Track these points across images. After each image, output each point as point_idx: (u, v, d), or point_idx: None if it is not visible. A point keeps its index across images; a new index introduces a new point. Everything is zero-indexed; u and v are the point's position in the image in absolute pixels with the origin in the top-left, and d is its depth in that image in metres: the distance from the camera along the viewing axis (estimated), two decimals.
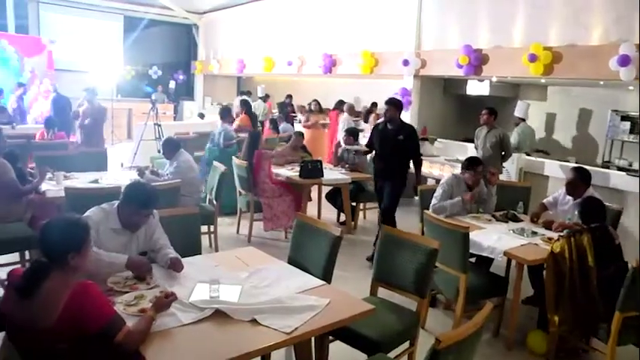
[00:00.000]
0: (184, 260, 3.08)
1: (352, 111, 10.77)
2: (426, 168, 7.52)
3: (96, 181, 5.39)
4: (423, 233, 4.47)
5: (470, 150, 7.58)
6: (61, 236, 2.22)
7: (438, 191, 4.81)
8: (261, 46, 13.67)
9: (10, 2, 14.44)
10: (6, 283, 2.26)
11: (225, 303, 2.56)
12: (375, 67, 10.00)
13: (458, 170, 5.30)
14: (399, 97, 6.76)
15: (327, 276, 3.25)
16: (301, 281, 2.97)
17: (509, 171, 7.19)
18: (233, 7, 15.11)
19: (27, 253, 4.73)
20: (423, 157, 5.97)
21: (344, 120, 10.16)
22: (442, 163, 8.29)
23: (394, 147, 5.64)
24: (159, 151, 9.05)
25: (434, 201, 4.74)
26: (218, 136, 7.78)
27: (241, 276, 2.98)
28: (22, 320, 2.10)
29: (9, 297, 2.18)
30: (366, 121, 10.96)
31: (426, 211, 4.45)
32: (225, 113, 8.23)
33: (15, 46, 13.10)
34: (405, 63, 9.03)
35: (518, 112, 8.15)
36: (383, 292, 3.58)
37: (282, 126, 10.16)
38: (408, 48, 9.19)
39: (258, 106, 13.14)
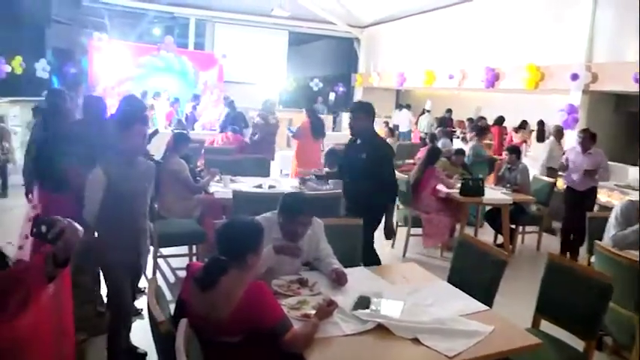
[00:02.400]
0: (346, 270, 3.11)
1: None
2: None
3: (260, 186, 5.68)
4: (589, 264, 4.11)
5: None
6: (241, 237, 2.40)
7: (613, 221, 4.35)
8: (422, 59, 13.61)
9: (192, 24, 16.03)
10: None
11: (387, 318, 2.54)
12: (540, 81, 9.49)
13: (631, 197, 4.78)
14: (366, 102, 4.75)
15: (488, 301, 3.09)
16: (463, 304, 2.86)
17: None
18: (395, 21, 15.25)
19: (194, 247, 5.14)
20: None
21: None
22: (611, 189, 7.57)
23: (360, 170, 4.33)
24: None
25: (612, 231, 4.29)
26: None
27: (403, 292, 2.93)
28: (201, 310, 2.28)
29: (189, 287, 2.37)
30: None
31: (597, 242, 4.08)
32: (480, 129, 8.38)
33: (193, 61, 14.45)
34: (574, 77, 8.45)
35: None
36: (545, 326, 3.32)
37: (442, 141, 9.96)
38: (577, 60, 8.58)
39: (423, 120, 13.05)
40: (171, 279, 5.19)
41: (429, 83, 13.26)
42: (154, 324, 2.23)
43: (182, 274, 5.18)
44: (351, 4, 15.34)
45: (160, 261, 5.14)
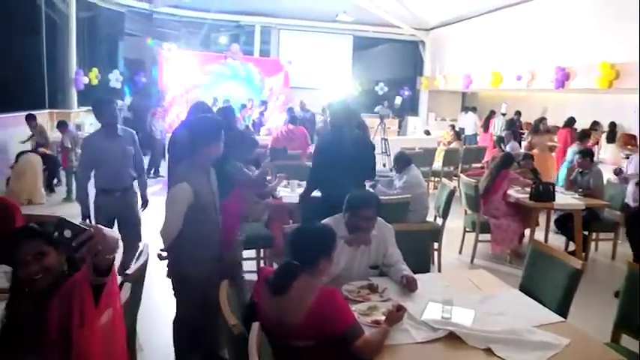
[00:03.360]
0: (415, 276, 3.08)
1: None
2: None
3: None
4: None
5: None
6: (314, 242, 2.45)
7: None
8: (489, 60, 13.34)
9: (257, 31, 16.40)
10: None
11: (458, 326, 2.51)
12: (614, 79, 9.08)
13: None
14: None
15: (563, 311, 2.98)
16: (537, 314, 2.78)
17: None
18: (461, 22, 15.02)
19: (262, 250, 5.24)
20: None
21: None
22: None
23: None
24: (384, 165, 9.35)
25: None
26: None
27: (474, 300, 2.89)
28: (272, 314, 2.34)
29: (261, 290, 2.43)
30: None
31: None
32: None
33: (258, 67, 14.73)
34: None
35: None
36: (625, 340, 3.16)
37: (510, 144, 9.72)
38: None
39: (497, 123, 12.77)
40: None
41: (495, 85, 12.97)
42: (227, 326, 2.30)
43: (249, 277, 5.29)
44: (416, 7, 15.23)
45: None
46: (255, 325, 2.13)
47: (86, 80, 13.02)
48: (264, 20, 16.67)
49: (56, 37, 12.65)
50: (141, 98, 14.36)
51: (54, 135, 9.68)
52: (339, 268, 3.01)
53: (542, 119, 10.06)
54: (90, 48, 13.99)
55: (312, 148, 9.24)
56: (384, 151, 9.99)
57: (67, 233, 1.68)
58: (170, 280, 3.33)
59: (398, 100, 16.91)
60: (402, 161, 5.92)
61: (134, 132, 4.75)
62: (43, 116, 10.27)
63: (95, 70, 13.49)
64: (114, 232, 1.78)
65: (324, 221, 3.17)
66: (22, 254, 2.11)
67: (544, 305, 2.95)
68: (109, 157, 4.46)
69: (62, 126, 8.83)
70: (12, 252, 2.16)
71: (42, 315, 1.97)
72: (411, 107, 17.98)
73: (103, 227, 1.75)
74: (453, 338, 2.45)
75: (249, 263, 5.37)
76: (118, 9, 14.60)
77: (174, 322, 3.40)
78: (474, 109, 14.77)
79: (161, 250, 3.25)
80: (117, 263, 1.96)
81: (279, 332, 2.32)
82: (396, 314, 2.52)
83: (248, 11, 16.02)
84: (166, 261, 3.29)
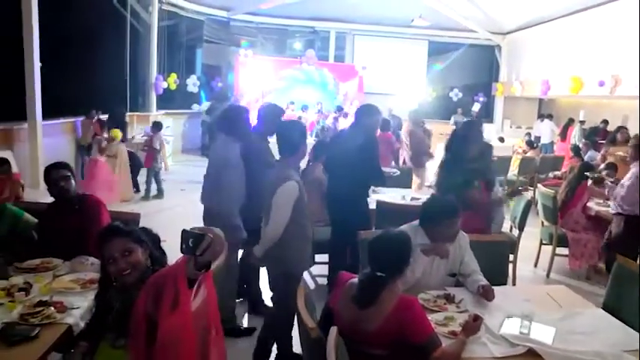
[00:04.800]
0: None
1: None
2: None
3: (403, 198, 5.70)
4: None
5: None
6: (396, 250, 2.45)
7: None
8: (568, 65, 12.82)
9: (332, 37, 16.54)
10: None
11: (539, 343, 2.44)
12: None
13: None
14: None
15: None
16: (624, 337, 2.63)
17: None
18: (539, 25, 14.54)
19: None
20: None
21: None
22: None
23: None
24: None
25: None
26: None
27: (554, 316, 2.79)
28: (350, 320, 2.36)
29: (339, 297, 2.46)
30: None
31: None
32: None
33: (333, 73, 14.84)
34: None
35: None
36: None
37: (589, 155, 9.30)
38: None
39: (576, 133, 12.30)
40: (311, 285, 5.39)
41: (575, 91, 12.46)
42: (305, 329, 2.34)
43: (321, 280, 5.36)
44: (493, 11, 14.90)
45: None
46: (333, 330, 2.15)
47: (165, 85, 13.58)
48: (340, 26, 16.81)
49: (139, 44, 13.36)
50: (218, 103, 14.81)
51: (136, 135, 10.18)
52: (416, 277, 3.00)
53: (621, 128, 9.57)
54: (169, 54, 14.63)
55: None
56: None
57: (190, 242, 1.78)
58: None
59: (475, 107, 16.58)
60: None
61: None
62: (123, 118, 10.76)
63: (174, 76, 14.04)
64: (220, 232, 1.88)
65: (401, 228, 3.17)
66: (110, 251, 2.28)
67: (630, 327, 2.79)
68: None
69: (155, 127, 9.19)
70: (101, 248, 2.32)
71: (129, 306, 2.09)
72: (485, 114, 17.57)
73: (213, 228, 1.86)
74: (532, 356, 2.39)
75: (320, 267, 5.46)
76: (197, 17, 15.18)
77: (269, 318, 3.69)
78: (550, 117, 14.26)
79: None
80: None
81: (355, 338, 2.34)
82: (473, 324, 2.48)
83: (323, 17, 16.21)
84: None
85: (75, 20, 10.74)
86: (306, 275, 5.58)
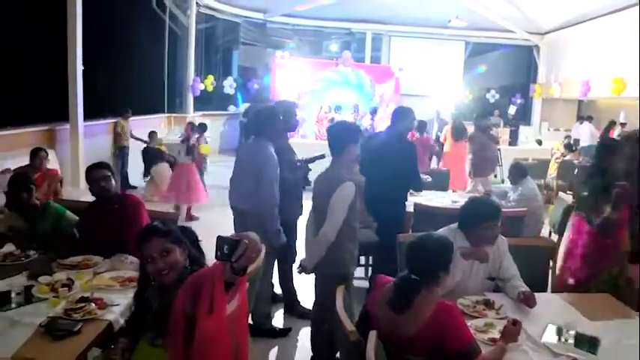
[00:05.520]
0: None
1: None
2: None
3: (442, 200, 5.62)
4: None
5: None
6: (433, 255, 2.41)
7: None
8: (610, 66, 12.45)
9: (368, 38, 16.53)
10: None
11: (583, 354, 2.37)
12: None
13: None
14: None
15: None
16: None
17: None
18: (579, 24, 14.18)
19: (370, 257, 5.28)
20: None
21: None
22: None
23: None
24: (495, 176, 9.07)
25: None
26: None
27: (599, 326, 2.69)
28: (388, 325, 2.33)
29: (377, 300, 2.43)
30: None
31: None
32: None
33: (369, 74, 14.79)
34: None
35: None
36: None
37: None
38: None
39: (617, 134, 11.96)
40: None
41: (617, 92, 12.10)
42: (344, 332, 2.32)
43: (357, 283, 5.32)
44: (532, 11, 14.61)
45: None
46: (373, 334, 2.13)
47: (202, 87, 13.75)
48: (376, 27, 16.75)
49: (176, 47, 13.62)
50: (255, 105, 14.92)
51: (170, 137, 10.34)
52: (455, 282, 2.94)
53: None
54: (206, 56, 14.83)
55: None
56: None
57: (226, 249, 1.80)
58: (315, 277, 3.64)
59: (512, 110, 16.28)
60: (518, 172, 5.70)
61: None
62: (160, 120, 10.93)
63: (211, 77, 14.22)
64: (256, 237, 1.88)
65: (439, 231, 3.13)
66: (149, 251, 2.30)
67: None
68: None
69: (200, 129, 9.09)
70: (140, 248, 2.35)
71: (167, 305, 2.11)
72: (522, 116, 17.23)
73: (249, 234, 1.86)
74: None
75: (358, 270, 5.44)
76: (233, 20, 15.32)
77: (314, 319, 3.73)
78: (590, 119, 13.89)
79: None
80: None
81: (393, 343, 2.31)
82: (513, 329, 2.39)
83: (359, 18, 16.17)
84: None
85: (116, 24, 11.01)
86: None
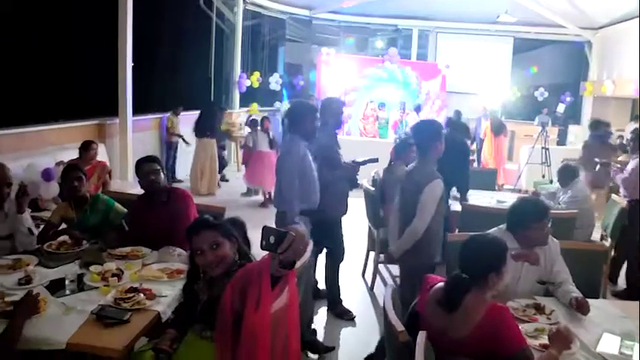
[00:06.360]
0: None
1: None
2: None
3: (490, 200, 5.53)
4: None
5: None
6: (485, 256, 2.36)
7: None
8: None
9: (415, 35, 16.41)
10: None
11: None
12: None
13: None
14: None
15: None
16: None
17: None
18: (637, 18, 13.64)
19: None
20: None
21: None
22: None
23: None
24: (543, 176, 8.87)
25: None
26: None
27: None
28: (437, 325, 2.28)
29: (426, 301, 2.39)
30: None
31: None
32: None
33: (415, 71, 14.63)
34: None
35: None
36: None
37: None
38: None
39: None
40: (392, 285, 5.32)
41: None
42: (393, 332, 2.28)
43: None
44: (586, 4, 14.11)
45: (380, 267, 5.41)
46: (422, 335, 2.10)
47: (248, 83, 13.86)
48: (423, 24, 16.51)
49: (223, 43, 13.76)
50: (296, 102, 14.96)
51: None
52: (504, 284, 2.86)
53: None
54: (253, 53, 14.95)
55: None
56: (544, 161, 9.40)
57: (272, 239, 1.80)
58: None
59: (560, 108, 15.83)
60: (568, 174, 5.52)
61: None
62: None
63: (257, 74, 14.31)
64: (304, 231, 1.87)
65: (489, 232, 3.05)
66: (198, 244, 2.32)
67: None
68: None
69: (253, 124, 9.46)
70: (190, 240, 2.37)
71: (216, 299, 2.13)
72: (572, 114, 16.72)
73: (297, 227, 1.85)
74: None
75: (395, 268, 5.43)
76: (279, 16, 15.39)
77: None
78: (637, 118, 13.40)
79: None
80: None
81: (442, 344, 2.26)
82: (563, 334, 2.30)
83: (406, 15, 15.99)
84: None
85: (164, 21, 11.22)
86: (386, 275, 5.55)
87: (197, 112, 9.52)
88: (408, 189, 3.62)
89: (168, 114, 10.02)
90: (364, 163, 4.37)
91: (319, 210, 3.97)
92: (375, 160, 4.39)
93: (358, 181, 4.85)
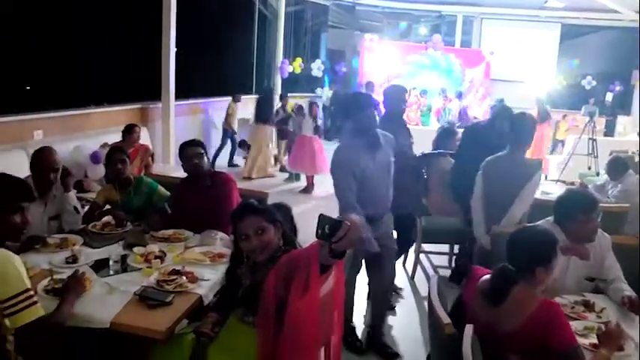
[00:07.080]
0: None
1: None
2: None
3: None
4: None
5: None
6: (534, 248, 2.28)
7: None
8: None
9: (459, 21, 16.08)
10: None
11: None
12: None
13: None
14: None
15: None
16: None
17: None
18: None
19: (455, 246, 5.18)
20: None
21: None
22: None
23: None
24: (589, 168, 8.60)
25: None
26: None
27: None
28: (484, 319, 2.22)
29: (473, 291, 2.32)
30: None
31: None
32: None
33: (459, 58, 14.37)
34: None
35: None
36: None
37: None
38: None
39: None
40: (434, 276, 5.26)
41: None
42: (438, 325, 2.24)
43: (443, 272, 5.21)
44: None
45: (421, 256, 5.34)
46: (469, 328, 2.04)
47: (290, 69, 13.85)
48: (467, 9, 16.12)
49: (265, 29, 13.78)
50: (342, 88, 14.86)
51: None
52: (552, 278, 2.77)
53: None
54: (295, 39, 14.94)
55: None
56: (590, 152, 9.09)
57: (327, 229, 1.76)
58: None
59: (608, 97, 15.29)
60: (618, 166, 5.31)
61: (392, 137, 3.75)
62: (247, 100, 11.05)
63: (299, 60, 14.29)
64: (360, 221, 1.83)
65: (536, 224, 2.97)
66: (243, 229, 2.30)
67: None
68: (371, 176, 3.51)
69: (300, 110, 9.27)
70: (235, 225, 2.36)
71: (259, 284, 2.11)
72: (621, 105, 16.07)
73: (352, 216, 1.81)
74: None
75: (442, 258, 5.34)
76: (322, 2, 15.31)
77: None
78: None
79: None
80: None
81: (489, 338, 2.19)
82: (614, 333, 2.20)
83: (450, 1, 15.65)
84: None
85: (208, 8, 11.27)
86: (427, 265, 5.48)
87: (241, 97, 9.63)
88: (501, 177, 3.67)
89: (211, 99, 10.08)
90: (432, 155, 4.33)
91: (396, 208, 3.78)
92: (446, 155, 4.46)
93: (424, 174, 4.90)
